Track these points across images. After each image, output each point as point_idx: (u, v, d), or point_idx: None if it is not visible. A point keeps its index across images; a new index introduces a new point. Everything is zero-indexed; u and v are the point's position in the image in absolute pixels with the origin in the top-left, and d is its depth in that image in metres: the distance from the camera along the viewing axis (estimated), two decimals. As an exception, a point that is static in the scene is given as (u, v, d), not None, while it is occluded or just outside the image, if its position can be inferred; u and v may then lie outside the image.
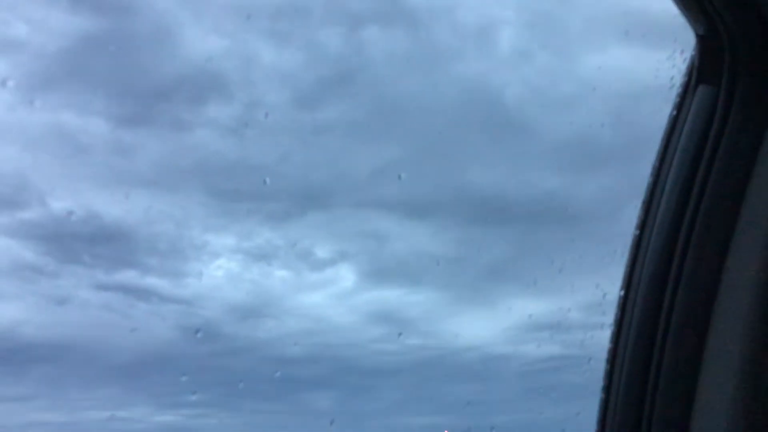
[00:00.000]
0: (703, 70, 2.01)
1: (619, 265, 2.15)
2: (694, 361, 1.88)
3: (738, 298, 1.84)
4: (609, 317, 2.15)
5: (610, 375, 2.09)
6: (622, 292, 2.10)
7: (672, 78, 2.17)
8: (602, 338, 2.17)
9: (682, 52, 2.11)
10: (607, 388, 2.09)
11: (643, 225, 2.09)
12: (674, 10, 1.98)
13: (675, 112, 2.08)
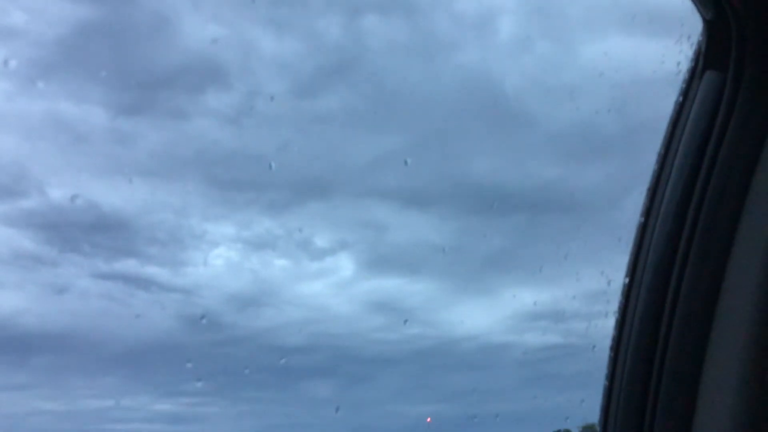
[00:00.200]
0: (710, 56, 1.99)
1: (624, 252, 2.13)
2: (698, 348, 1.87)
3: (743, 285, 1.83)
4: (613, 305, 2.14)
5: (614, 363, 2.08)
6: (627, 280, 2.09)
7: (678, 64, 2.14)
8: (606, 326, 2.16)
9: (689, 37, 2.09)
10: (611, 376, 2.08)
11: (648, 212, 2.07)
12: (682, -6, 1.96)
13: (681, 99, 2.06)
